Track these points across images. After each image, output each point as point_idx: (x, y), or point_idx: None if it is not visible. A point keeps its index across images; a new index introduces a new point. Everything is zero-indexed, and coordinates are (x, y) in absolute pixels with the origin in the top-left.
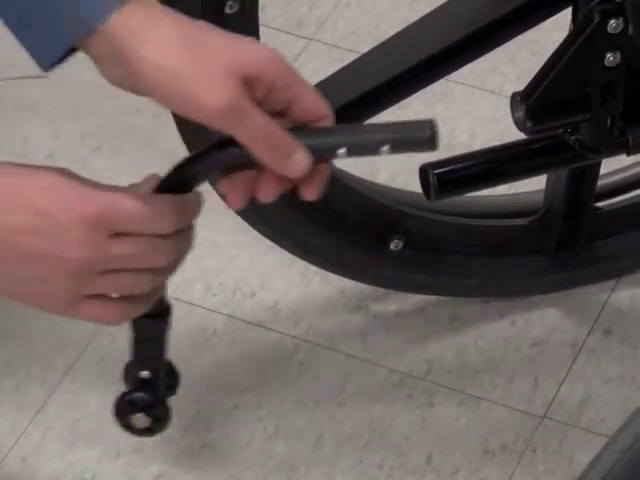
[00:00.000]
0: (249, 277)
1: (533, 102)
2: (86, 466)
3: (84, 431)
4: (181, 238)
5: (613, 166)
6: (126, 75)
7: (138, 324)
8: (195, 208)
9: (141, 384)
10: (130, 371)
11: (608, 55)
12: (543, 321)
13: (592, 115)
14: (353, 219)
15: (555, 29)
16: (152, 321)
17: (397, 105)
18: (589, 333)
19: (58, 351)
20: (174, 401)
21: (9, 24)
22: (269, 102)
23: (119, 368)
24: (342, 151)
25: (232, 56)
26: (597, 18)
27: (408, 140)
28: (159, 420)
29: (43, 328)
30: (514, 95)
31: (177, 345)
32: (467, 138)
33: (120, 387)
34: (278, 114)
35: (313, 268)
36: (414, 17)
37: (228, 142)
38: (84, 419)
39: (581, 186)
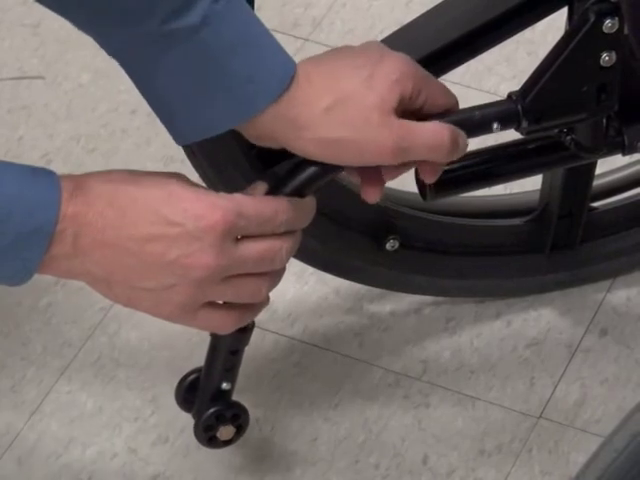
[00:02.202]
0: None
1: (529, 102)
2: (82, 467)
3: (80, 432)
4: (294, 240)
5: (609, 166)
6: (280, 144)
7: (231, 336)
8: (309, 211)
9: (222, 396)
10: (207, 383)
11: (604, 55)
12: (539, 321)
13: (588, 115)
14: (348, 219)
15: (551, 29)
16: (243, 333)
17: None
18: (585, 333)
19: (53, 352)
20: (170, 402)
21: (156, 105)
22: (409, 107)
23: (115, 369)
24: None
25: (377, 96)
26: (593, 18)
27: (510, 112)
28: (242, 428)
29: (38, 329)
30: None
31: (173, 346)
32: None
33: (116, 388)
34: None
35: (309, 268)
36: (409, 17)
37: None
38: (80, 420)
39: (577, 186)
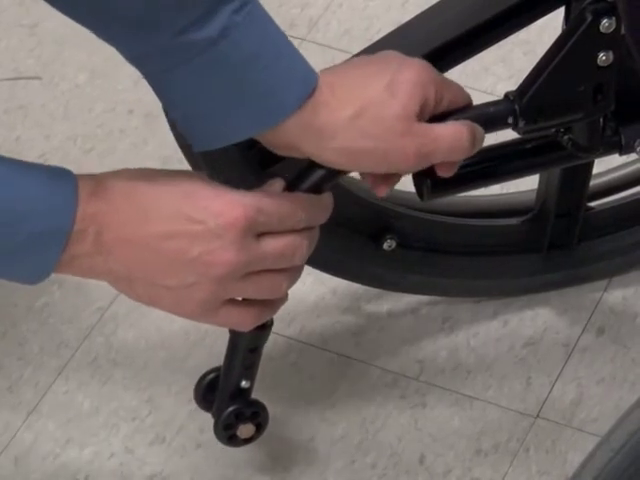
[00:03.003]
0: None
1: (526, 102)
2: (79, 467)
3: (77, 432)
4: (313, 236)
5: (606, 165)
6: (303, 154)
7: (250, 334)
8: (327, 207)
9: (241, 394)
10: (226, 382)
11: (601, 54)
12: (536, 321)
13: (585, 115)
14: (346, 219)
15: (547, 29)
16: (262, 331)
17: None
18: (582, 333)
19: (50, 352)
20: (166, 402)
21: (174, 112)
22: (435, 112)
23: (111, 369)
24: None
25: (399, 103)
26: (589, 18)
27: (508, 112)
28: (262, 427)
29: (35, 329)
30: None
31: (170, 346)
32: None
33: (113, 388)
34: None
35: (306, 268)
36: (406, 18)
37: None
38: (77, 420)
39: (574, 185)
